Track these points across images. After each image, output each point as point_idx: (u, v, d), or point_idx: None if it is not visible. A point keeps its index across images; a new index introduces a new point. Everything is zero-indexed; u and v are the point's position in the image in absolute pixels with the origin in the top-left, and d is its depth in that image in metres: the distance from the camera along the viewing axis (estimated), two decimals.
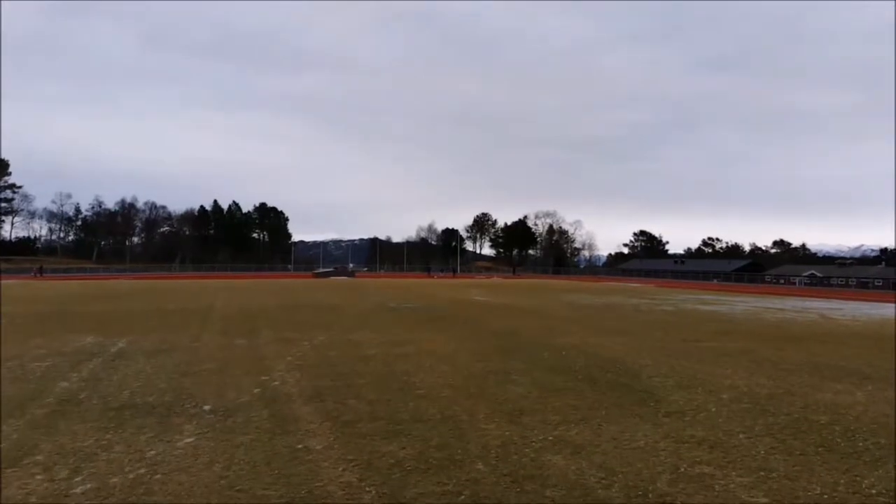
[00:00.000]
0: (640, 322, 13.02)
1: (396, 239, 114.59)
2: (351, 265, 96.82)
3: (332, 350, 8.30)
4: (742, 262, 70.30)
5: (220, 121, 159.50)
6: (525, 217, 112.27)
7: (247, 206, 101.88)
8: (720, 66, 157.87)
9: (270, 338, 9.72)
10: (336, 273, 56.68)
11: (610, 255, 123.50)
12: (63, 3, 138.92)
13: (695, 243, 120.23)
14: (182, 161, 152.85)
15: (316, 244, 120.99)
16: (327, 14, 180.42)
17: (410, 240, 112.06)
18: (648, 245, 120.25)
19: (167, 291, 25.17)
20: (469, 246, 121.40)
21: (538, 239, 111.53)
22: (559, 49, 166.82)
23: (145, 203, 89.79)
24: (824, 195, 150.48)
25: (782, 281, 56.89)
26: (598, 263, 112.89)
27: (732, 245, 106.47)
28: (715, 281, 60.81)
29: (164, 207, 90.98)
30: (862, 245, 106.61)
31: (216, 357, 7.76)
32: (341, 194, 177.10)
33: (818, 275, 55.65)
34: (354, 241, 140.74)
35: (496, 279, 55.62)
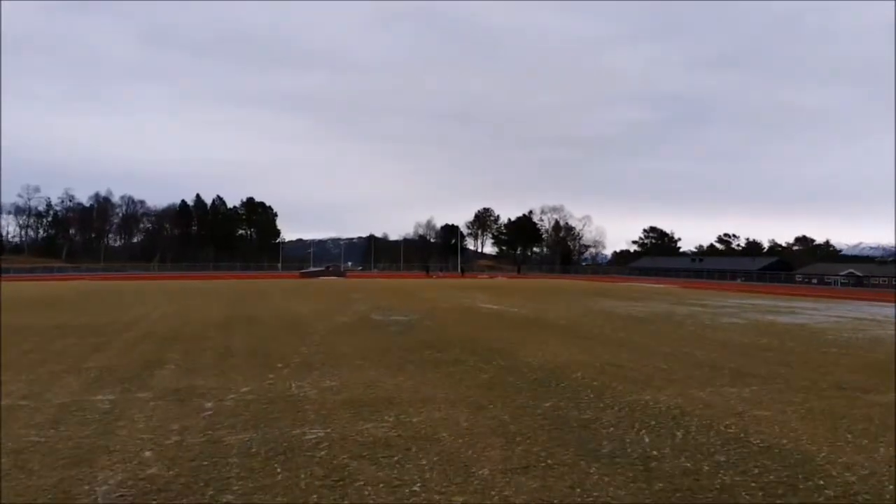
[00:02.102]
0: (730, 349, 9.32)
1: (394, 237, 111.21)
2: (349, 263, 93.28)
3: (244, 428, 4.59)
4: (768, 261, 66.58)
5: (216, 118, 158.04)
6: (530, 212, 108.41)
7: (237, 203, 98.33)
8: (720, 63, 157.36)
9: (164, 387, 6.03)
10: (326, 273, 52.99)
11: (615, 252, 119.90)
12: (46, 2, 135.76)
13: (704, 240, 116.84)
14: (172, 159, 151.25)
15: (314, 242, 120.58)
16: (325, 12, 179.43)
17: (408, 237, 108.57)
18: (659, 242, 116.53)
19: (115, 295, 21.48)
20: (470, 244, 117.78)
21: (544, 236, 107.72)
22: (559, 47, 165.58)
23: (122, 197, 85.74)
24: (821, 192, 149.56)
25: (815, 281, 53.23)
26: (602, 262, 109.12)
27: (751, 242, 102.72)
28: (739, 281, 57.34)
29: (142, 202, 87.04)
30: (861, 243, 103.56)
31: (8, 448, 4.07)
32: (342, 192, 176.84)
33: (857, 274, 51.96)
34: (353, 239, 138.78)
35: (500, 279, 52.00)
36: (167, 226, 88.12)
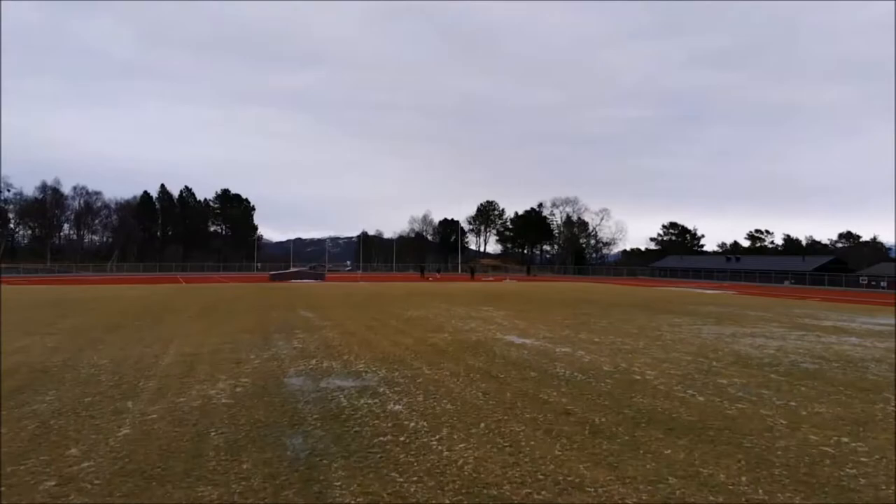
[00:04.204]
0: None
1: (388, 234, 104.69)
2: (348, 262, 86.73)
3: None
4: (820, 260, 59.81)
5: (210, 117, 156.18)
6: (540, 205, 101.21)
7: (211, 196, 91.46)
8: (721, 62, 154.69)
9: None
10: (302, 274, 46.21)
11: (625, 251, 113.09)
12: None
13: (720, 238, 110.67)
14: (163, 158, 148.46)
15: (314, 241, 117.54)
16: (325, 10, 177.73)
17: (404, 234, 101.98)
18: (679, 240, 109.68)
19: None
20: (472, 243, 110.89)
21: (556, 233, 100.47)
22: (560, 45, 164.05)
23: (74, 188, 78.32)
24: (820, 190, 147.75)
25: (883, 284, 46.54)
26: (610, 261, 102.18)
27: (789, 239, 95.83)
28: (787, 283, 50.83)
29: (98, 194, 79.65)
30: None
31: None
32: (341, 191, 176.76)
33: None
34: (352, 238, 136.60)
35: (510, 282, 45.30)
36: (132, 220, 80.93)
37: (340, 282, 41.09)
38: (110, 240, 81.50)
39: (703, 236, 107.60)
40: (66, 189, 76.29)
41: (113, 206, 79.59)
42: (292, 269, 50.05)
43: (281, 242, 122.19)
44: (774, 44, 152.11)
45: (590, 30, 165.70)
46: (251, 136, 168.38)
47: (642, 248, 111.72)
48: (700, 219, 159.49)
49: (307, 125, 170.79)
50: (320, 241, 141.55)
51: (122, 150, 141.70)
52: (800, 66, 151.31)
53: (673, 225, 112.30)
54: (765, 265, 59.84)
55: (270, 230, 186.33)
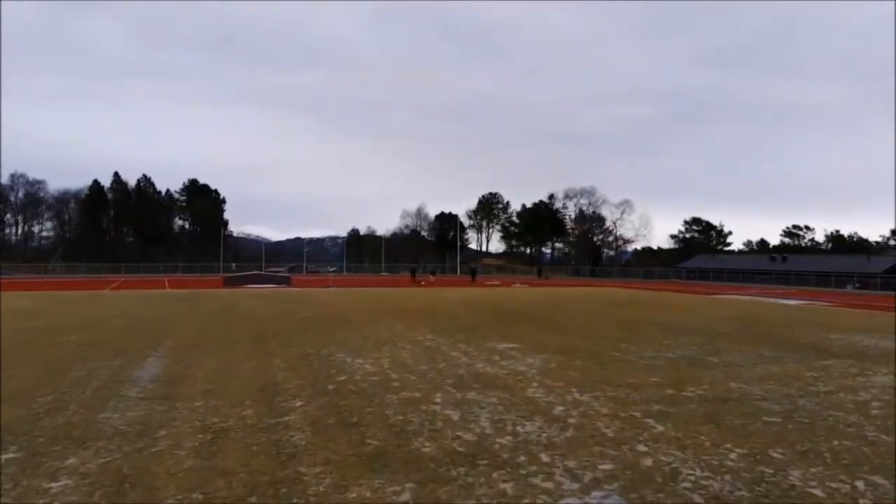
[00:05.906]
0: None
1: (383, 233, 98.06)
2: (334, 265, 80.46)
3: None
4: (892, 261, 52.88)
5: (210, 115, 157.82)
6: (551, 197, 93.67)
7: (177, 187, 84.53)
8: (724, 61, 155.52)
9: None
10: (263, 278, 39.12)
11: (636, 250, 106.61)
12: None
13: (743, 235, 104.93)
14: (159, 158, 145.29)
15: (313, 240, 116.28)
16: (325, 10, 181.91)
17: (398, 232, 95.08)
18: (703, 238, 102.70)
19: None
20: (473, 240, 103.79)
21: (570, 229, 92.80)
22: (560, 44, 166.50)
23: (12, 176, 70.81)
24: (820, 189, 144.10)
25: None
26: (620, 260, 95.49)
27: (833, 235, 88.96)
28: (850, 288, 44.13)
29: (41, 182, 72.25)
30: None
31: None
32: (341, 191, 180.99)
33: None
34: (348, 236, 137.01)
35: (519, 286, 38.38)
36: (79, 213, 73.67)
37: (308, 287, 34.12)
38: (65, 234, 74.56)
39: (730, 233, 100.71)
40: (3, 177, 69.04)
41: (58, 195, 72.30)
42: (250, 273, 42.99)
43: (281, 242, 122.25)
44: (774, 44, 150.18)
45: (590, 29, 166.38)
46: (250, 135, 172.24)
47: (654, 247, 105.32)
48: (707, 216, 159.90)
49: (307, 125, 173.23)
50: (320, 241, 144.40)
51: (119, 150, 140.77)
52: (800, 65, 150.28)
53: (696, 221, 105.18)
54: (820, 266, 52.86)
55: (270, 230, 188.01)
